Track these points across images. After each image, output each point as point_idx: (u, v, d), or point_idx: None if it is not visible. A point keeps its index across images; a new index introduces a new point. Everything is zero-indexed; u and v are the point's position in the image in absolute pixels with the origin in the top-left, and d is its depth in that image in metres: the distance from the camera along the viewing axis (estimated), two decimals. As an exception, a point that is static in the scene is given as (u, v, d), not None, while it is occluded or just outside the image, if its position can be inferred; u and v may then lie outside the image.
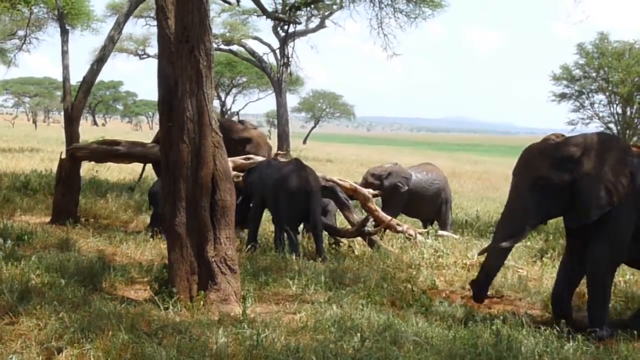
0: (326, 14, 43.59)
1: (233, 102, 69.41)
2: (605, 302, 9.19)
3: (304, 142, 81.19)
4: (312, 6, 33.28)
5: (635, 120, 38.27)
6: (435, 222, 16.71)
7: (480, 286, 9.37)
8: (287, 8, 30.56)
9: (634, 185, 8.95)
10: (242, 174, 14.29)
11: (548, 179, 8.94)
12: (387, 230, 14.73)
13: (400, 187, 15.87)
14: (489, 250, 9.35)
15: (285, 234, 13.24)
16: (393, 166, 16.48)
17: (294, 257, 12.25)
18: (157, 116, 13.00)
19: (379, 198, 15.81)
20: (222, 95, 66.21)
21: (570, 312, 9.36)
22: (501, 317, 9.04)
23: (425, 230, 15.28)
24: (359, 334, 7.82)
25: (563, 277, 9.40)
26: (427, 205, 16.40)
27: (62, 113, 18.27)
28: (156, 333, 7.75)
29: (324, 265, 11.98)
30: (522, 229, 9.07)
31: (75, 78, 19.39)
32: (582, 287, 10.34)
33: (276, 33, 45.79)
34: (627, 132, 37.37)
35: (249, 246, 12.98)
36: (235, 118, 61.72)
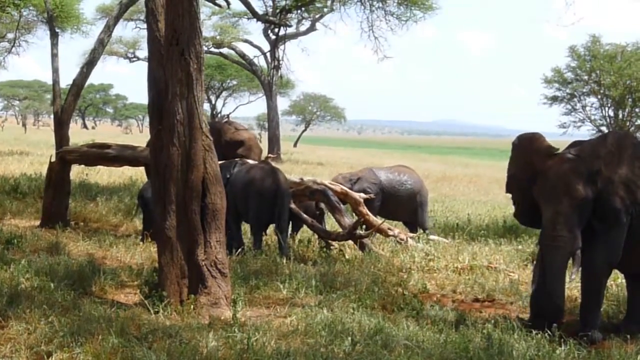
0: (317, 16, 43.74)
1: (223, 105, 69.45)
2: (599, 305, 9.22)
3: (295, 145, 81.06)
4: (303, 9, 33.28)
5: (628, 124, 38.33)
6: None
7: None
8: (278, 11, 30.52)
9: None
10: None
11: (587, 198, 8.92)
12: (378, 234, 14.73)
13: (369, 193, 15.86)
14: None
15: (279, 237, 13.32)
16: (362, 171, 16.52)
17: (284, 260, 12.27)
18: (147, 119, 13.02)
19: None
20: (213, 98, 66.21)
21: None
22: (492, 321, 9.06)
23: (417, 234, 15.27)
24: (349, 338, 7.83)
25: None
26: (399, 205, 16.32)
27: (52, 116, 18.27)
28: (146, 337, 7.76)
29: (314, 268, 11.98)
30: (575, 251, 9.00)
31: (65, 81, 19.38)
32: (573, 290, 10.38)
33: (267, 36, 45.91)
34: (619, 135, 37.35)
35: (239, 250, 12.96)
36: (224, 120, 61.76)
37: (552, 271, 9.02)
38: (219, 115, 65.70)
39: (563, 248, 8.88)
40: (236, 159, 14.83)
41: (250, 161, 14.91)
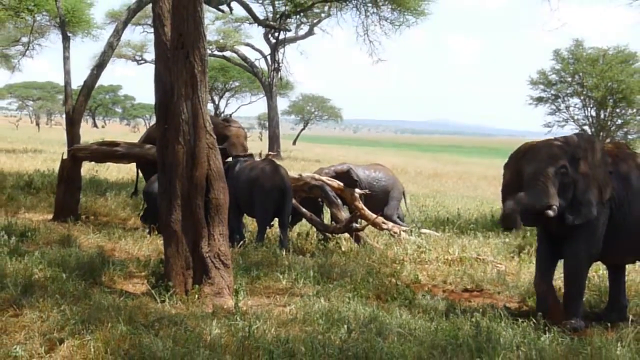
0: (315, 21, 43.82)
1: (226, 105, 69.57)
2: (581, 295, 9.21)
3: (294, 143, 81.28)
4: (302, 14, 33.30)
5: (609, 123, 38.43)
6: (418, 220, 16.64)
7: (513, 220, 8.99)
8: (278, 16, 30.56)
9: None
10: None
11: (568, 171, 8.89)
12: (372, 227, 14.72)
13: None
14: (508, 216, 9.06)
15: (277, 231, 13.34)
16: (341, 167, 16.41)
17: (284, 252, 12.28)
18: (154, 119, 13.02)
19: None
20: (216, 98, 66.29)
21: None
22: (481, 310, 9.03)
23: (409, 228, 15.26)
24: (345, 326, 7.82)
25: (547, 269, 9.32)
26: (374, 201, 16.23)
27: (64, 116, 18.24)
28: (153, 325, 7.75)
29: (312, 260, 11.98)
30: (546, 203, 8.72)
31: (76, 82, 19.37)
32: (557, 281, 10.37)
33: (267, 40, 45.96)
34: (601, 134, 37.55)
35: (240, 242, 12.94)
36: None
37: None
38: (222, 115, 65.74)
39: (538, 193, 8.76)
40: (238, 159, 14.74)
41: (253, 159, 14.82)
